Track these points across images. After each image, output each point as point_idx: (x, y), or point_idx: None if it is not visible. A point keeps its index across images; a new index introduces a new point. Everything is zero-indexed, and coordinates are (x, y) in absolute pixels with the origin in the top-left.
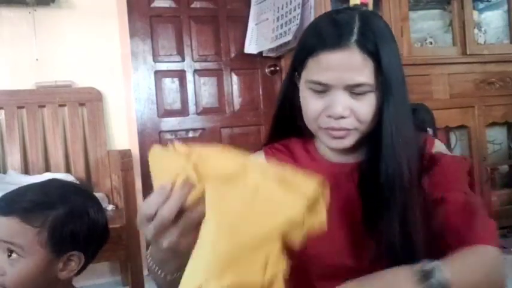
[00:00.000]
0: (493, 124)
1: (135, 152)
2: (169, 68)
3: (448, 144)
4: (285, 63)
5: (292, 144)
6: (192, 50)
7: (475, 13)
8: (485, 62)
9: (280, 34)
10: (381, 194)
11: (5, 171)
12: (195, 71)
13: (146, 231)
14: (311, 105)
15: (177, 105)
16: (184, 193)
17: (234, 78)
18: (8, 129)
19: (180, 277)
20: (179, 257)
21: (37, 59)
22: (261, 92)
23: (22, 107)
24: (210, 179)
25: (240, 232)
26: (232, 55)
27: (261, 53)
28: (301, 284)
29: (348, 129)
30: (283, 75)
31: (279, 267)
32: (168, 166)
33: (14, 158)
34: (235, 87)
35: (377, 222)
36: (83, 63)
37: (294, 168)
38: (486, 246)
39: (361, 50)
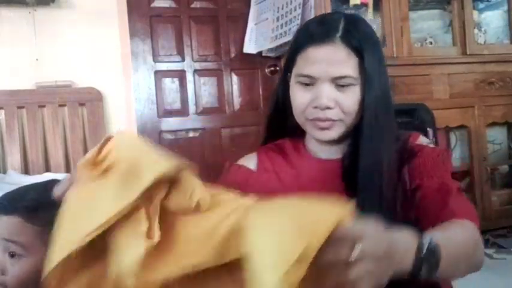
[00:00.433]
0: (493, 124)
1: None
2: (169, 68)
3: (448, 144)
4: None
5: (283, 143)
6: (192, 50)
7: (475, 13)
8: (485, 62)
9: (280, 34)
10: (360, 185)
11: (5, 171)
12: (195, 71)
13: None
14: (299, 97)
15: (177, 105)
16: None
17: (234, 78)
18: (8, 129)
19: None
20: None
21: (37, 59)
22: (261, 92)
23: (22, 107)
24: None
25: None
26: (232, 55)
27: (260, 53)
28: None
29: (333, 120)
30: None
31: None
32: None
33: (14, 158)
34: (235, 87)
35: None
36: (83, 63)
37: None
38: (463, 220)
39: (345, 45)
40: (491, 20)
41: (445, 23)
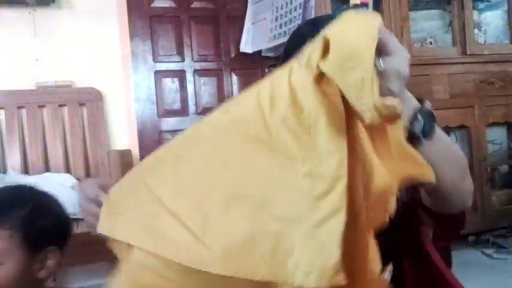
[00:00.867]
0: (493, 124)
1: (135, 152)
2: (169, 68)
3: None
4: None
5: None
6: (192, 50)
7: (475, 13)
8: (485, 62)
9: (279, 34)
10: None
11: (5, 171)
12: (195, 71)
13: None
14: None
15: (177, 105)
16: None
17: (234, 78)
18: (8, 129)
19: None
20: None
21: (37, 59)
22: None
23: (22, 107)
24: None
25: None
26: (232, 55)
27: (260, 53)
28: None
29: None
30: None
31: None
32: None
33: (14, 158)
34: (235, 87)
35: None
36: (83, 63)
37: None
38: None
39: None
40: (491, 20)
41: (445, 23)
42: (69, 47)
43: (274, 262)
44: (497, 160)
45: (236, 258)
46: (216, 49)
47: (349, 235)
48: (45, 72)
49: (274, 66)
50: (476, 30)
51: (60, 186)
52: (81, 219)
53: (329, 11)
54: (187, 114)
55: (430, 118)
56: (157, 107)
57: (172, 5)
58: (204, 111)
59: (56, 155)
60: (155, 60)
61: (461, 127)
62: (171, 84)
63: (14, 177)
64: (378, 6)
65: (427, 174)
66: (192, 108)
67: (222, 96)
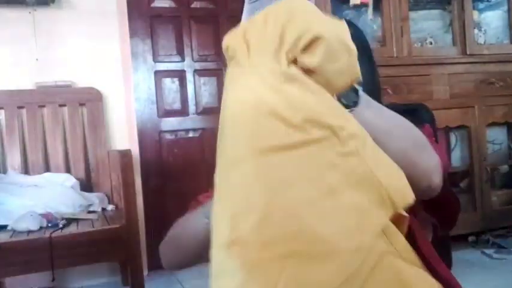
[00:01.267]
0: (493, 124)
1: (135, 152)
2: (169, 68)
3: (448, 144)
4: None
5: None
6: (192, 50)
7: (475, 13)
8: (485, 62)
9: None
10: None
11: (5, 171)
12: (195, 71)
13: None
14: None
15: (177, 105)
16: None
17: None
18: (8, 129)
19: None
20: None
21: (37, 59)
22: None
23: (22, 107)
24: None
25: None
26: None
27: None
28: None
29: None
30: None
31: None
32: None
33: (14, 158)
34: None
35: None
36: (83, 63)
37: None
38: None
39: None
40: (491, 20)
41: (445, 23)
42: (69, 47)
43: None
44: (497, 160)
45: None
46: (216, 49)
47: None
48: (45, 72)
49: None
50: (476, 30)
51: (60, 186)
52: (81, 219)
53: (329, 11)
54: (187, 114)
55: (353, 91)
56: (157, 107)
57: (172, 4)
58: (204, 111)
59: (56, 155)
60: (155, 60)
61: (461, 127)
62: (171, 84)
63: (14, 177)
64: (378, 6)
65: None
66: (192, 108)
67: (222, 96)
